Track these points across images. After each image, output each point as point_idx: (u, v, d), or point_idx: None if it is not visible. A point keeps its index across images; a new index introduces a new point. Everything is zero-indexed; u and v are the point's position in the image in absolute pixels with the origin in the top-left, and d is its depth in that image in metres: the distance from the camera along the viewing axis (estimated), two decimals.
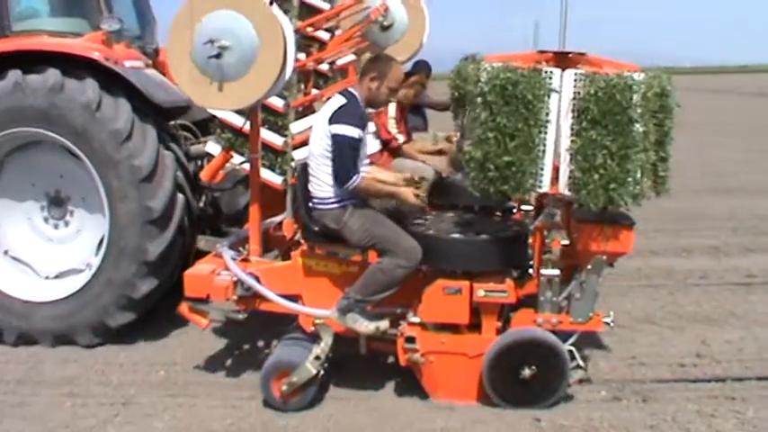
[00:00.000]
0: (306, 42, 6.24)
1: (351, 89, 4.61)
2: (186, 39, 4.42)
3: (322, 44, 6.28)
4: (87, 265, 5.57)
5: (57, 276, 5.73)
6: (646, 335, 5.79)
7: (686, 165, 14.46)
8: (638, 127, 4.17)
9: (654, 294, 6.79)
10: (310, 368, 4.50)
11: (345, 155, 4.42)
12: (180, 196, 5.50)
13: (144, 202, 5.26)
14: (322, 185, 4.53)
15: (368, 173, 4.63)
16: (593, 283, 4.47)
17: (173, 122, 6.08)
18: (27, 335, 5.57)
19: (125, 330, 5.59)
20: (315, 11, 6.04)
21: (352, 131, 4.41)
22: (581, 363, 4.61)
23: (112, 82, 5.36)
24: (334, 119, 4.43)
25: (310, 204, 4.61)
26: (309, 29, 5.94)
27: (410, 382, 4.73)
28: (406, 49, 6.04)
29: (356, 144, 4.45)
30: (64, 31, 5.74)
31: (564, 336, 4.56)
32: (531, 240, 4.75)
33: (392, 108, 6.10)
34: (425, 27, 6.06)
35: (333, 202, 4.51)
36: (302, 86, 5.97)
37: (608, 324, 4.56)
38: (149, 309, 5.63)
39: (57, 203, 5.74)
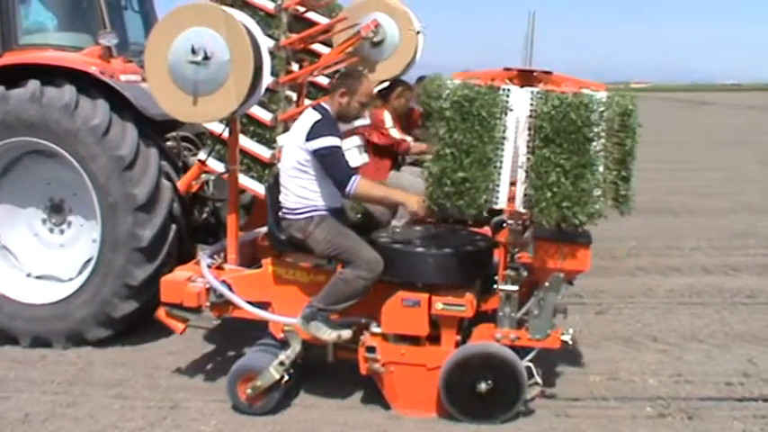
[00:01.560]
0: (301, 56, 6.41)
1: (323, 104, 4.75)
2: (163, 55, 4.62)
3: (319, 58, 6.41)
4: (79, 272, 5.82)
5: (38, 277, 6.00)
6: (692, 352, 5.81)
7: (747, 182, 14.44)
8: (595, 146, 4.20)
9: (701, 312, 6.78)
10: (274, 373, 4.63)
11: (336, 163, 4.56)
12: (165, 183, 5.70)
13: (129, 191, 5.48)
14: (290, 196, 4.67)
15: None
16: (551, 300, 4.50)
17: (173, 134, 6.29)
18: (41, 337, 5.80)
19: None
20: (312, 25, 6.21)
21: (332, 141, 4.54)
22: (538, 379, 4.62)
23: (108, 95, 5.59)
24: (311, 135, 4.55)
25: (279, 214, 4.75)
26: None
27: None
28: (398, 65, 6.14)
29: (339, 150, 4.59)
30: (68, 45, 6.01)
31: (523, 352, 4.60)
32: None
33: (388, 119, 6.24)
34: (417, 42, 6.14)
35: (299, 213, 4.65)
36: (294, 99, 6.11)
37: (566, 342, 4.57)
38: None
39: (56, 210, 6.00)
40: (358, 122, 5.81)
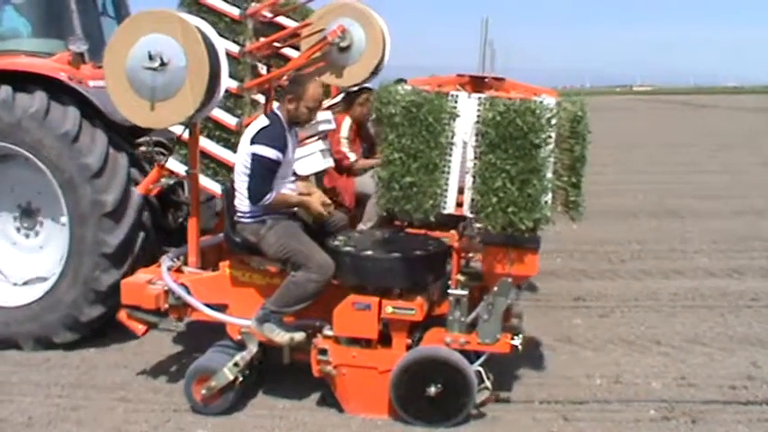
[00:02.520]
0: (274, 60, 6.47)
1: (276, 110, 4.81)
2: (121, 61, 4.69)
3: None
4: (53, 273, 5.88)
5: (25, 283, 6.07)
6: (696, 356, 5.82)
7: (751, 185, 14.38)
8: (543, 152, 4.24)
9: (705, 315, 6.79)
10: (228, 374, 4.70)
11: (260, 174, 4.62)
12: (134, 191, 5.76)
13: (96, 197, 5.55)
14: (244, 201, 4.73)
15: (292, 189, 4.84)
16: (500, 304, 4.53)
17: (145, 139, 6.36)
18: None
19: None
20: (283, 29, 6.28)
21: (269, 152, 4.60)
22: (488, 384, 4.65)
23: (78, 101, 5.66)
24: (255, 139, 4.64)
25: (234, 218, 4.82)
26: (277, 44, 6.21)
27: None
28: (365, 70, 6.18)
29: (272, 165, 4.63)
30: (41, 52, 6.10)
31: (475, 356, 4.64)
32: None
33: (345, 128, 6.27)
34: (383, 46, 6.18)
35: (253, 217, 4.72)
36: (263, 103, 6.16)
37: (516, 347, 4.60)
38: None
39: (28, 215, 6.08)
40: (323, 126, 5.88)
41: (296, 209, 4.88)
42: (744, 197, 12.89)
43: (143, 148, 6.36)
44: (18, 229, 6.11)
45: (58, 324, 5.75)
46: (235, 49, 5.79)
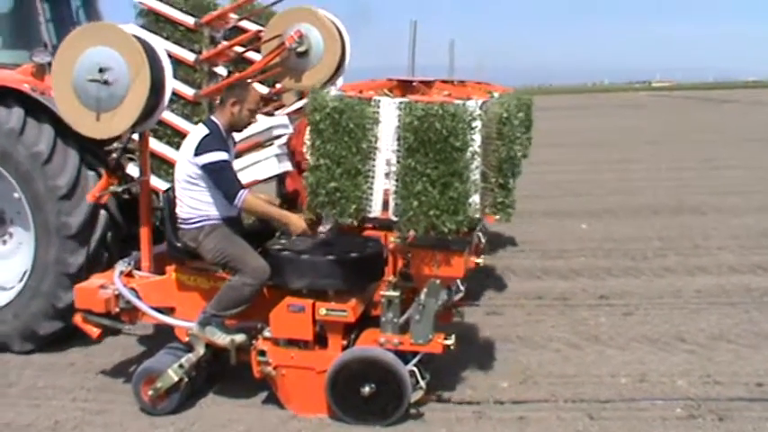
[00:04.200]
0: (239, 66, 6.60)
1: (212, 117, 4.94)
2: (68, 73, 4.85)
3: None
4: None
5: None
6: (721, 353, 5.83)
7: None
8: (465, 155, 4.28)
9: (729, 312, 6.79)
10: (173, 375, 4.84)
11: (224, 177, 4.75)
12: (102, 213, 5.94)
13: (62, 219, 5.73)
14: (183, 207, 4.87)
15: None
16: (431, 305, 4.59)
17: (115, 146, 6.51)
18: None
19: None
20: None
21: (219, 155, 4.73)
22: (422, 384, 4.72)
23: (44, 112, 5.82)
24: (199, 150, 4.74)
25: (175, 225, 4.96)
26: (240, 49, 6.36)
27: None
28: (323, 74, 6.26)
29: (228, 165, 4.78)
30: (9, 63, 6.29)
31: (410, 357, 4.71)
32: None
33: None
34: (340, 49, 6.27)
35: (192, 223, 4.85)
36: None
37: (448, 346, 4.66)
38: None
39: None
40: (278, 131, 5.99)
41: (237, 213, 4.99)
42: (766, 192, 12.78)
43: (113, 155, 6.50)
44: None
45: (16, 334, 5.96)
46: (191, 57, 5.93)
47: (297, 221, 4.76)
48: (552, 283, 7.93)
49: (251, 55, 6.63)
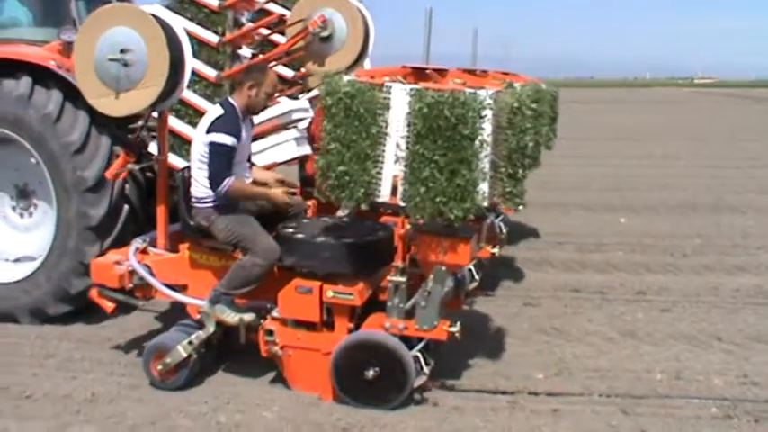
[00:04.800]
0: (265, 49, 6.66)
1: (230, 99, 4.99)
2: (89, 53, 4.95)
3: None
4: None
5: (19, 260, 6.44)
6: (758, 353, 5.78)
7: None
8: (473, 143, 4.29)
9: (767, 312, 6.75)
10: (182, 351, 4.93)
11: (218, 161, 4.81)
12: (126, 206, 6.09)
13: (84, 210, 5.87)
14: (198, 187, 4.94)
15: (246, 176, 5.02)
16: (437, 292, 4.61)
17: (139, 124, 6.62)
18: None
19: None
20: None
21: (225, 139, 4.78)
22: (425, 369, 4.74)
23: (67, 88, 5.94)
24: (210, 128, 4.82)
25: (190, 203, 5.04)
26: (265, 31, 6.42)
27: None
28: (347, 59, 6.29)
29: (229, 151, 4.82)
30: (39, 40, 6.42)
31: (414, 342, 4.74)
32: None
33: None
34: (364, 36, 6.28)
35: (205, 202, 4.92)
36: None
37: (453, 333, 4.67)
38: None
39: (23, 195, 6.45)
40: (297, 114, 6.04)
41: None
42: None
43: (136, 134, 6.61)
44: (13, 208, 6.47)
45: (50, 297, 6.07)
46: (214, 39, 6.00)
47: (277, 195, 4.88)
48: (590, 277, 7.92)
49: (277, 38, 6.67)
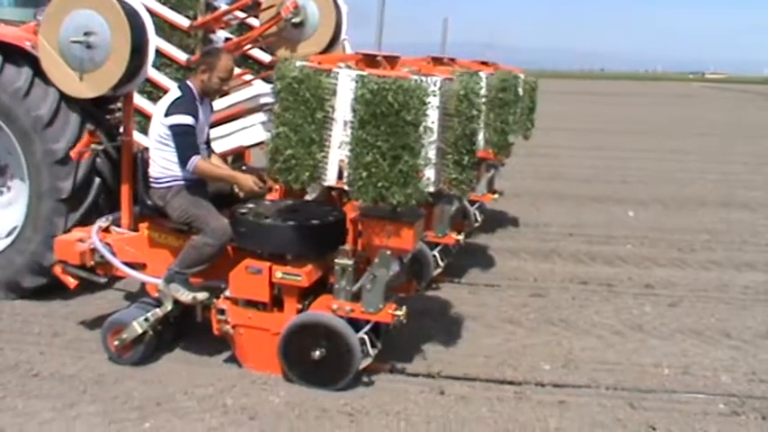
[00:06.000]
0: (240, 33, 6.77)
1: (188, 82, 5.09)
2: (53, 36, 5.06)
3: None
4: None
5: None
6: (767, 350, 5.80)
7: None
8: (417, 129, 4.36)
9: None
10: (137, 327, 5.05)
11: (182, 140, 4.92)
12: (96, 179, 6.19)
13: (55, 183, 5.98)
14: (155, 167, 5.06)
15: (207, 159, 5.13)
16: (382, 276, 4.70)
17: (117, 106, 6.73)
18: None
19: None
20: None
21: (184, 119, 4.89)
22: (370, 351, 4.83)
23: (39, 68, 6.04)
24: (168, 111, 4.93)
25: (148, 183, 5.15)
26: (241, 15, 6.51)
27: None
28: (319, 45, 6.38)
29: (190, 129, 4.92)
30: (18, 20, 6.54)
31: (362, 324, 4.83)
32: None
33: None
34: (335, 22, 6.35)
35: (161, 182, 5.04)
36: None
37: (398, 317, 4.74)
38: None
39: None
40: (266, 98, 6.13)
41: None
42: None
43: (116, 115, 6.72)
44: None
45: (25, 270, 6.20)
46: (186, 23, 6.10)
47: (245, 180, 4.92)
48: (598, 269, 7.97)
49: (254, 22, 6.76)
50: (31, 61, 5.99)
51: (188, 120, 4.89)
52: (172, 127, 4.88)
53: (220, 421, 4.40)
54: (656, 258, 8.39)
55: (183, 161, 4.89)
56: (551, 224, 9.99)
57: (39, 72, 5.89)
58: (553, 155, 17.05)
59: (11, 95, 5.99)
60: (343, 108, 4.48)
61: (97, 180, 6.21)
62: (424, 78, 4.44)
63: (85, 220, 6.06)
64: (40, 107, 5.97)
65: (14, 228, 6.35)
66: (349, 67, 4.65)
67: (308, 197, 6.12)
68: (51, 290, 6.25)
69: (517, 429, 4.44)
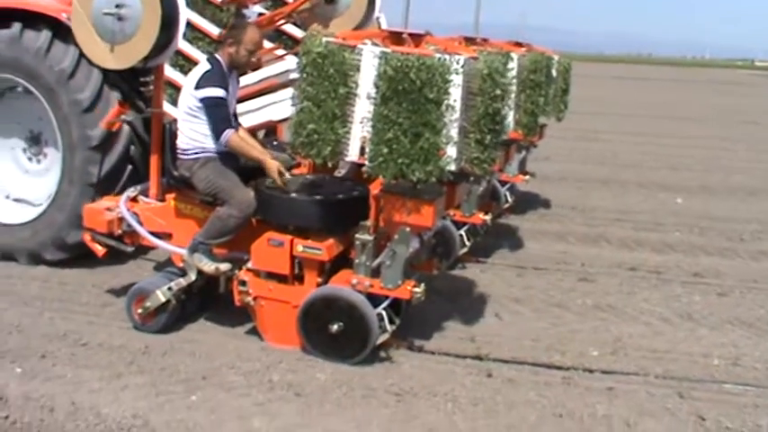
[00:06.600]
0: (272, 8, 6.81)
1: (216, 55, 5.14)
2: (87, 7, 5.14)
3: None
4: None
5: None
6: None
7: None
8: (439, 107, 4.36)
9: None
10: (160, 296, 5.14)
11: (215, 113, 4.98)
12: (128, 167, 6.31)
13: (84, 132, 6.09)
14: (183, 138, 5.12)
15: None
16: (401, 252, 4.72)
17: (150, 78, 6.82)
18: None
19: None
20: None
21: (216, 92, 4.94)
22: (387, 326, 4.87)
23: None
24: (199, 84, 4.98)
25: (175, 155, 5.22)
26: None
27: None
28: (351, 22, 6.40)
29: (222, 102, 4.99)
30: None
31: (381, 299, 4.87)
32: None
33: None
34: (370, 1, 6.37)
35: (189, 153, 5.10)
36: None
37: (416, 294, 4.75)
38: None
39: (35, 142, 6.73)
40: (295, 74, 6.16)
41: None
42: None
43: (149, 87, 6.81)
44: (25, 151, 6.76)
45: (49, 243, 6.35)
46: None
47: (270, 167, 4.91)
48: (646, 256, 7.91)
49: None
50: (51, 23, 6.09)
51: (220, 92, 4.94)
52: (203, 100, 4.93)
53: (267, 397, 4.41)
54: (704, 247, 8.30)
55: (217, 134, 4.95)
56: (598, 209, 9.95)
57: (58, 32, 6.03)
58: (598, 139, 16.92)
59: (56, 75, 6.10)
60: (366, 84, 4.50)
61: (128, 168, 6.33)
62: (447, 57, 4.43)
63: (118, 173, 6.21)
64: (82, 90, 6.09)
65: (41, 200, 6.50)
66: (374, 44, 4.66)
67: (337, 173, 6.16)
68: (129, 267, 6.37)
69: (565, 414, 4.40)
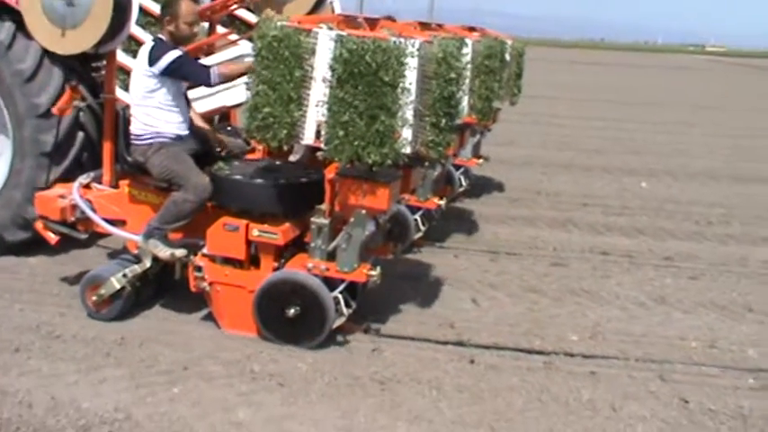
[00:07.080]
0: None
1: (159, 35, 5.09)
2: None
3: None
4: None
5: None
6: None
7: None
8: (394, 90, 4.37)
9: None
10: (115, 283, 5.10)
11: (187, 69, 4.97)
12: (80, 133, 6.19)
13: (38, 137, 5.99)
14: (137, 123, 5.08)
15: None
16: (357, 235, 4.74)
17: (101, 64, 6.72)
18: None
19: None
20: None
21: (173, 54, 4.90)
22: (344, 310, 4.90)
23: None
24: (152, 57, 4.91)
25: (129, 140, 5.17)
26: None
27: None
28: (304, 7, 6.37)
29: (184, 57, 4.97)
30: None
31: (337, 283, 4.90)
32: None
33: None
34: None
35: (143, 139, 5.06)
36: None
37: (372, 277, 4.78)
38: None
39: None
40: (250, 59, 6.10)
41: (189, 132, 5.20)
42: None
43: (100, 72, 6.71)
44: None
45: (9, 223, 6.21)
46: None
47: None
48: (616, 240, 8.03)
49: None
50: (15, 15, 5.97)
51: (177, 52, 4.92)
52: (167, 68, 4.87)
53: (250, 387, 4.37)
54: (673, 231, 8.46)
55: (206, 80, 4.91)
56: (564, 193, 10.10)
57: (22, 26, 5.91)
58: (558, 124, 17.13)
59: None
60: (321, 67, 4.49)
61: (80, 134, 6.20)
62: (402, 40, 4.45)
63: (70, 138, 6.09)
64: (23, 60, 5.94)
65: (5, 173, 6.34)
66: (329, 27, 4.65)
67: (291, 158, 6.15)
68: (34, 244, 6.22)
69: (550, 399, 4.43)
